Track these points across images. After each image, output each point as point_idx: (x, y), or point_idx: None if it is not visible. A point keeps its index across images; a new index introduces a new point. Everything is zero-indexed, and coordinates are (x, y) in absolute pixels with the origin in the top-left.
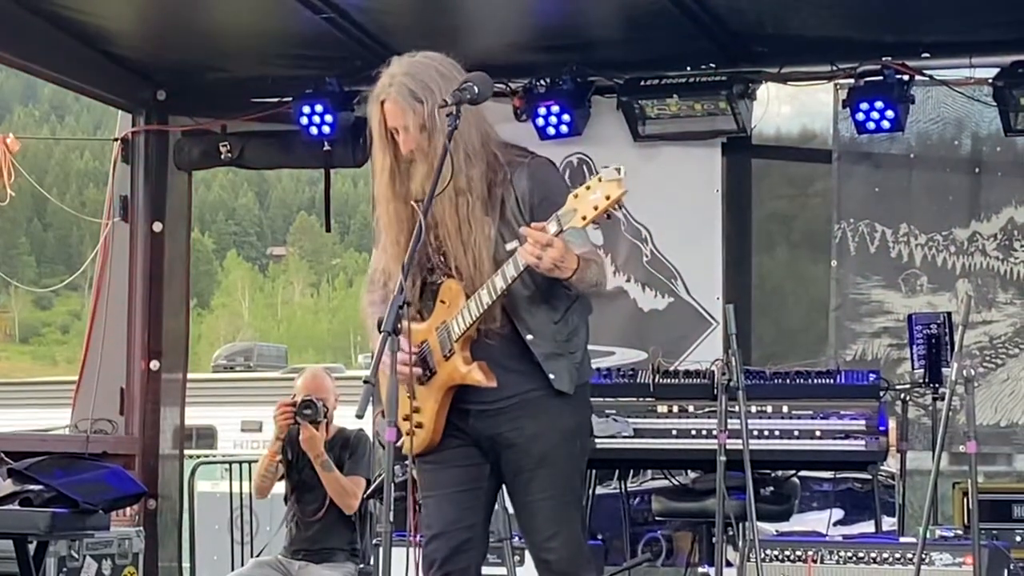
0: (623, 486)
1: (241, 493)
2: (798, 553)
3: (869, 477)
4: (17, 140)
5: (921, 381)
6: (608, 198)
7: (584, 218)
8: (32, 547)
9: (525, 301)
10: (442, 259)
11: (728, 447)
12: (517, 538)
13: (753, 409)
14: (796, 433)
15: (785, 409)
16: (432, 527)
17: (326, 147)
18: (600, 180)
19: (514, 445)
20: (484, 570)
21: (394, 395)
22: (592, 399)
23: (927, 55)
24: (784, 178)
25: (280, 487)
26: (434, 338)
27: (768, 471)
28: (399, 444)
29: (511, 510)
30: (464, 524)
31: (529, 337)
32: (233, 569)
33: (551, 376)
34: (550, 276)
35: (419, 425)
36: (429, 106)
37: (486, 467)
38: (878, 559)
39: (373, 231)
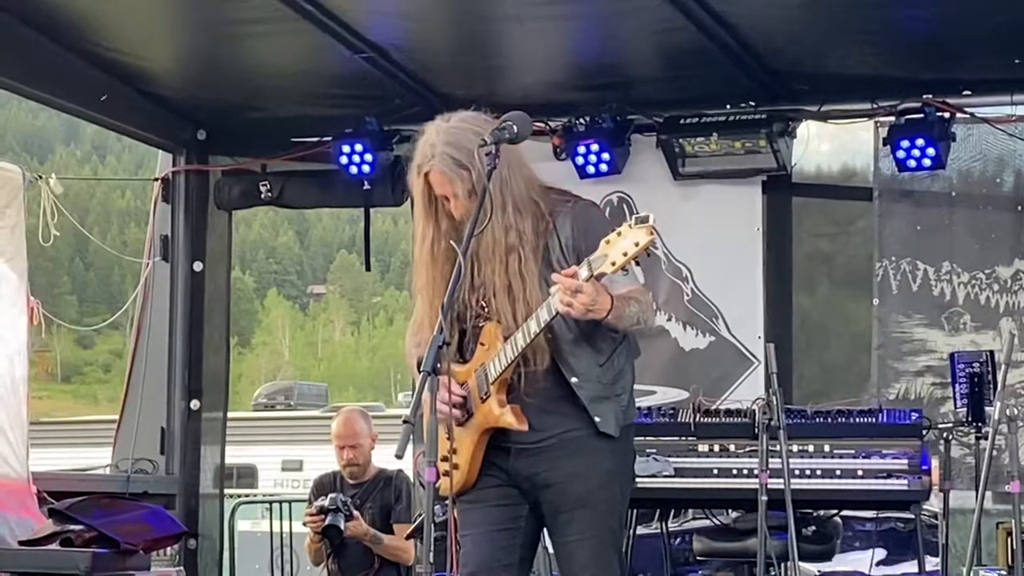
0: (664, 526)
1: (281, 532)
2: None
3: (912, 517)
4: (60, 181)
5: (964, 420)
6: (637, 244)
7: (614, 264)
8: None
9: (569, 344)
10: (485, 307)
11: (770, 486)
12: None
13: (795, 448)
14: (838, 472)
15: (827, 448)
16: (468, 565)
17: (366, 186)
18: (630, 227)
19: (552, 485)
20: None
21: (434, 435)
22: (633, 438)
23: (968, 93)
24: (825, 216)
25: None
26: (472, 380)
27: (810, 510)
28: (437, 485)
29: (551, 550)
30: (501, 563)
31: (574, 380)
32: None
33: (597, 419)
34: (585, 319)
35: (455, 466)
36: (475, 172)
37: (524, 507)
38: None
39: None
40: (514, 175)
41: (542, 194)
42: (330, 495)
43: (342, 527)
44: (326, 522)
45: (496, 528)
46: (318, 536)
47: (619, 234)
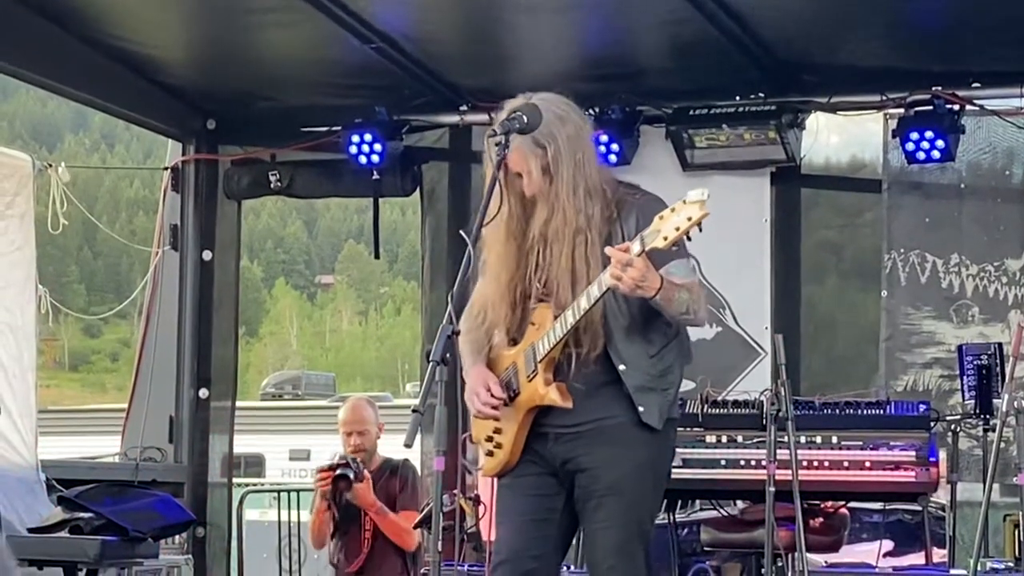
0: (671, 516)
1: (289, 521)
2: None
3: (919, 508)
4: (68, 169)
5: (972, 412)
6: (690, 219)
7: (666, 238)
8: (82, 575)
9: (622, 331)
10: (541, 287)
11: (777, 477)
12: (566, 567)
13: (802, 439)
14: (846, 464)
15: (835, 439)
16: (500, 553)
17: (375, 176)
18: (684, 203)
19: (586, 470)
20: None
21: (443, 423)
22: (675, 435)
23: (977, 85)
24: (833, 208)
25: None
26: (521, 359)
27: (817, 502)
28: (480, 466)
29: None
30: (531, 554)
31: (622, 367)
32: None
33: (641, 409)
34: (634, 296)
35: (498, 446)
36: (551, 151)
37: (560, 499)
38: None
39: (477, 266)
40: (588, 160)
41: (611, 183)
42: (338, 454)
43: (351, 477)
44: (336, 473)
45: (529, 518)
46: (325, 503)
47: (673, 210)
